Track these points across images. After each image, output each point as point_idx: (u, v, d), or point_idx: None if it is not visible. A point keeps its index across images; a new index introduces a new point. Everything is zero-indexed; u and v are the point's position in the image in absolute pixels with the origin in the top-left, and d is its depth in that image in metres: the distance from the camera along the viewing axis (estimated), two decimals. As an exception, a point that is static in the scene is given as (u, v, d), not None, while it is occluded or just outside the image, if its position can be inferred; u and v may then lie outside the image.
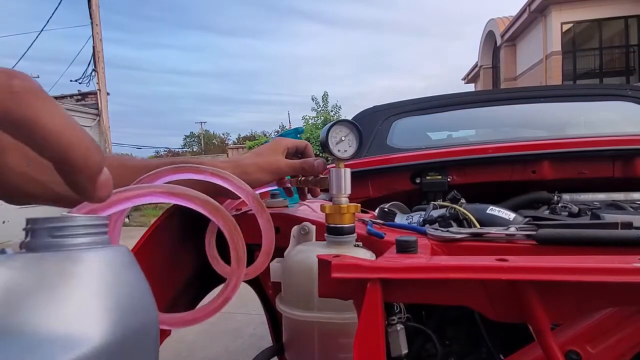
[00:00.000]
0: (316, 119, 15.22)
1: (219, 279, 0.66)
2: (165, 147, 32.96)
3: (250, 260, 0.51)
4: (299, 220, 0.58)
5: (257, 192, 0.58)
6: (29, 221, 0.18)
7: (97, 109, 8.57)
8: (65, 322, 0.14)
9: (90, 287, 0.15)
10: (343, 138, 0.52)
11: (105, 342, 0.15)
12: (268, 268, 0.54)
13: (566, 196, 0.89)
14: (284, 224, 0.61)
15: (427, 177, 1.03)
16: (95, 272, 0.16)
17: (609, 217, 0.56)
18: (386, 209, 0.74)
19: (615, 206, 0.71)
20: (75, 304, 0.15)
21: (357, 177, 1.03)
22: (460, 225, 0.59)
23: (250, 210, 0.60)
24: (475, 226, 0.58)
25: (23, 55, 9.33)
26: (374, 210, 0.77)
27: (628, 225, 0.46)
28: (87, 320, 0.15)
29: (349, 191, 0.52)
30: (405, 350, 0.47)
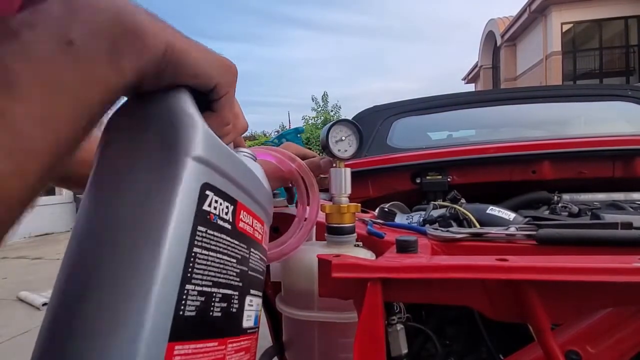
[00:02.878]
0: (316, 119, 15.22)
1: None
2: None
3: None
4: (299, 220, 0.58)
5: None
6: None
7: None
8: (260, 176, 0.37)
9: (260, 170, 0.38)
10: (343, 138, 0.52)
11: (267, 188, 0.37)
12: (268, 268, 0.54)
13: (566, 196, 0.89)
14: (284, 224, 0.61)
15: (427, 177, 1.03)
16: (259, 167, 0.38)
17: (609, 217, 0.56)
18: (386, 209, 0.74)
19: (615, 206, 0.71)
20: (260, 172, 0.37)
21: (357, 177, 1.03)
22: (460, 225, 0.59)
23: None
24: (475, 226, 0.58)
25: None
26: (374, 210, 0.77)
27: (628, 225, 0.46)
28: (262, 178, 0.37)
29: (349, 191, 0.52)
30: (405, 350, 0.47)
